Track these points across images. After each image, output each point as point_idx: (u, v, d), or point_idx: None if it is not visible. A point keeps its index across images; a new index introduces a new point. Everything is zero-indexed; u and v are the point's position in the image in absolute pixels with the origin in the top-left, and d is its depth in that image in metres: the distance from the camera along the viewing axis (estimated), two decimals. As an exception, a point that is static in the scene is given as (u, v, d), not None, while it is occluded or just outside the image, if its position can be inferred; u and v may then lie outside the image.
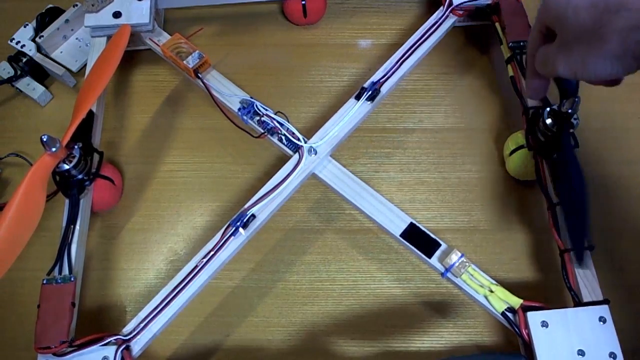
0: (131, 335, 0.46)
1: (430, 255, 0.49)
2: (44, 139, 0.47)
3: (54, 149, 0.48)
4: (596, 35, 0.36)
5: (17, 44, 0.62)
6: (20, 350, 0.51)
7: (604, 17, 0.36)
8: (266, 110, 0.55)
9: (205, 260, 0.48)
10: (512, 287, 0.47)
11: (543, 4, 0.41)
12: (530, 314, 0.45)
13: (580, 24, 0.37)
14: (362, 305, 0.53)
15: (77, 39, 0.65)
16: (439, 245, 0.49)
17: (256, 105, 0.55)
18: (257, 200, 0.51)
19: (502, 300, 0.47)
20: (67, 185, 0.52)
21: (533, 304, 0.46)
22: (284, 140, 0.55)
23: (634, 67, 0.36)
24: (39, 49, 0.63)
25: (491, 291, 0.47)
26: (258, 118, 0.55)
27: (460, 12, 0.62)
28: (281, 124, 0.55)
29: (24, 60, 0.62)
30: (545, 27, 0.41)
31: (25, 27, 0.63)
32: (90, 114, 0.56)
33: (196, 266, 0.48)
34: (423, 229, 0.50)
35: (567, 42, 0.39)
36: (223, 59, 0.65)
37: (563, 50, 0.39)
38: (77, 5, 0.64)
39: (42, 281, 0.47)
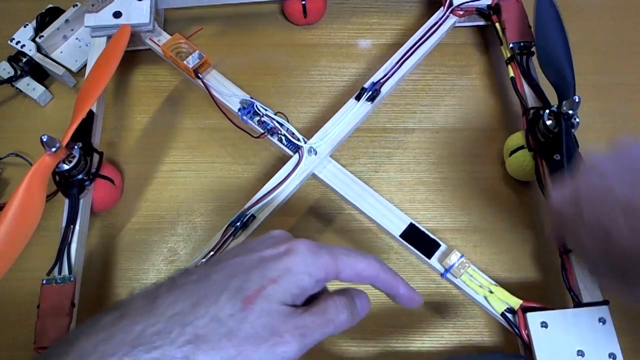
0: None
1: (429, 256, 0.49)
2: (44, 139, 0.47)
3: (53, 149, 0.48)
4: None
5: (17, 44, 0.62)
6: (20, 350, 0.50)
7: None
8: (266, 110, 0.55)
9: (205, 260, 0.48)
10: (511, 288, 0.47)
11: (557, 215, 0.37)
12: (529, 315, 0.45)
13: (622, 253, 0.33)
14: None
15: (77, 39, 0.65)
16: (439, 245, 0.49)
17: (256, 106, 0.55)
18: (257, 201, 0.51)
19: (501, 300, 0.47)
20: (67, 185, 0.52)
21: (533, 305, 0.46)
22: (284, 141, 0.55)
23: None
24: (39, 49, 0.63)
25: (491, 292, 0.47)
26: (258, 118, 0.55)
27: (461, 13, 0.62)
28: (281, 124, 0.55)
29: (24, 60, 0.62)
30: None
31: (25, 27, 0.63)
32: (90, 114, 0.56)
33: (196, 267, 0.48)
34: (423, 229, 0.50)
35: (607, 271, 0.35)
36: (223, 59, 0.65)
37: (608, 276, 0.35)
38: (77, 5, 0.64)
39: (42, 281, 0.47)
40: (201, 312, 0.29)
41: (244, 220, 0.50)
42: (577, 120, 0.51)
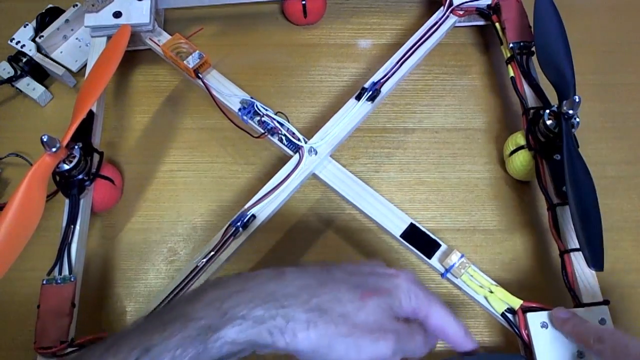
0: (131, 336, 0.46)
1: (430, 256, 0.49)
2: (44, 139, 0.47)
3: (54, 149, 0.48)
4: None
5: (17, 44, 0.62)
6: (20, 350, 0.51)
7: None
8: (266, 110, 0.55)
9: (205, 260, 0.48)
10: (512, 288, 0.47)
11: None
12: (530, 315, 0.45)
13: None
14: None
15: (77, 39, 0.65)
16: (439, 246, 0.49)
17: (256, 106, 0.55)
18: (257, 201, 0.51)
19: (502, 300, 0.47)
20: (67, 186, 0.52)
21: (533, 305, 0.46)
22: (284, 141, 0.55)
23: None
24: (39, 49, 0.63)
25: (491, 292, 0.47)
26: (258, 118, 0.55)
27: (461, 13, 0.62)
28: (281, 124, 0.55)
29: (24, 60, 0.62)
30: None
31: (25, 27, 0.63)
32: (90, 114, 0.56)
33: (196, 267, 0.48)
34: (423, 229, 0.50)
35: None
36: (223, 59, 0.65)
37: None
38: (77, 5, 0.64)
39: (42, 281, 0.47)
40: (326, 290, 0.33)
41: (245, 220, 0.50)
42: (577, 120, 0.51)
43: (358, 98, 0.56)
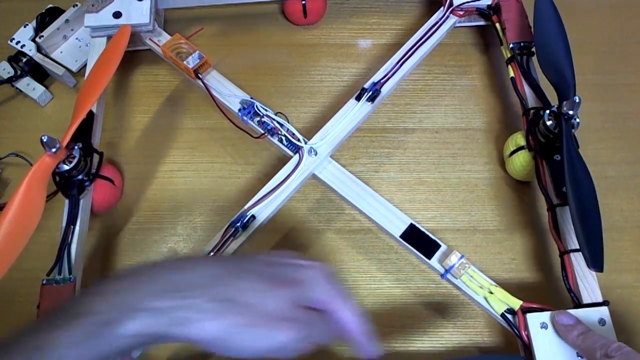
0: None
1: (430, 257, 0.49)
2: (44, 140, 0.47)
3: (53, 150, 0.48)
4: None
5: (17, 44, 0.62)
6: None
7: None
8: (266, 110, 0.55)
9: (205, 260, 0.48)
10: (511, 288, 0.47)
11: None
12: (529, 316, 0.45)
13: None
14: (362, 305, 0.53)
15: (77, 39, 0.65)
16: (439, 246, 0.49)
17: (256, 106, 0.55)
18: (257, 201, 0.51)
19: (501, 301, 0.47)
20: (67, 186, 0.52)
21: (532, 306, 0.46)
22: (284, 141, 0.55)
23: None
24: (39, 49, 0.63)
25: (491, 292, 0.47)
26: (258, 118, 0.55)
27: (461, 13, 0.62)
28: (281, 125, 0.55)
29: (24, 60, 0.62)
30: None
31: (25, 27, 0.63)
32: (90, 114, 0.56)
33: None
34: (423, 230, 0.50)
35: None
36: (223, 59, 0.65)
37: None
38: (77, 5, 0.64)
39: (42, 281, 0.47)
40: (234, 280, 0.33)
41: (244, 221, 0.50)
42: (578, 120, 0.51)
43: (358, 98, 0.56)
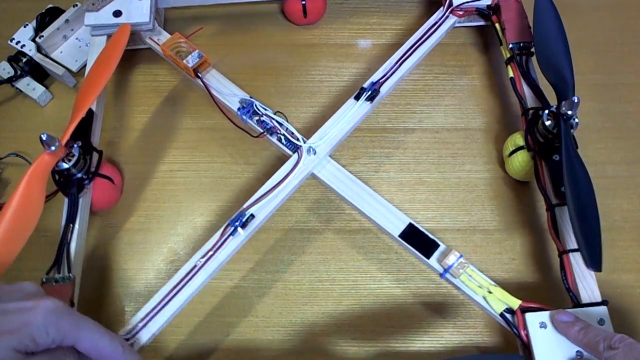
0: (130, 335, 0.46)
1: (428, 256, 0.49)
2: (43, 138, 0.47)
3: (53, 148, 0.48)
4: None
5: (17, 44, 0.62)
6: (20, 350, 0.51)
7: None
8: (265, 110, 0.55)
9: (204, 260, 0.48)
10: (510, 288, 0.47)
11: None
12: (528, 315, 0.45)
13: None
14: (362, 305, 0.53)
15: (77, 39, 0.65)
16: (438, 246, 0.49)
17: (255, 105, 0.55)
18: (256, 200, 0.51)
19: (500, 301, 0.47)
20: (66, 184, 0.52)
21: (531, 305, 0.46)
22: (283, 140, 0.55)
23: None
24: (39, 49, 0.63)
25: (490, 292, 0.47)
26: (257, 118, 0.55)
27: (461, 13, 0.62)
28: (280, 124, 0.55)
29: (24, 60, 0.62)
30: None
31: (25, 27, 0.63)
32: (90, 112, 0.56)
33: (195, 266, 0.48)
34: (422, 229, 0.50)
35: None
36: (223, 58, 0.65)
37: None
38: (77, 5, 0.64)
39: (41, 280, 0.47)
40: None
41: (243, 220, 0.50)
42: (577, 120, 0.51)
43: (357, 98, 0.56)
